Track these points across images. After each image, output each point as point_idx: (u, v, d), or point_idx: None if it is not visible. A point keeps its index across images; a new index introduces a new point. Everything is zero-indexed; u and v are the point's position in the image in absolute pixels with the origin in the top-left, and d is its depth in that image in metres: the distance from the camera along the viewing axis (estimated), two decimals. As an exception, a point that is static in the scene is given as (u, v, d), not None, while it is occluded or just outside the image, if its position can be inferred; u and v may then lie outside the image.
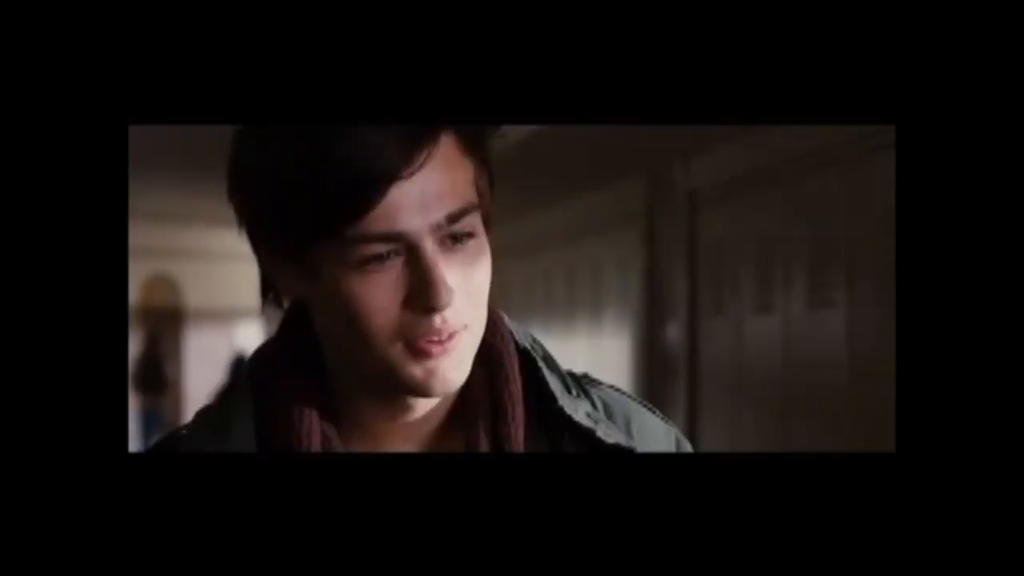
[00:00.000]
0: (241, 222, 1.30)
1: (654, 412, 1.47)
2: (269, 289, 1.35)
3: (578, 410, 1.38)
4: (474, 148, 1.28)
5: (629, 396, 1.47)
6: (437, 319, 1.24)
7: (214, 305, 17.19)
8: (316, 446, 1.32)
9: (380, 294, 1.23)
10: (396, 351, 1.25)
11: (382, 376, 1.28)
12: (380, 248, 1.22)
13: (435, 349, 1.25)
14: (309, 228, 1.23)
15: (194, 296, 17.33)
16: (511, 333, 1.40)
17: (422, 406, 1.34)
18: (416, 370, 1.26)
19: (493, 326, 1.36)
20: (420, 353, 1.25)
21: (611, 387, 1.47)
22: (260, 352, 1.40)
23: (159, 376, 16.16)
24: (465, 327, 1.27)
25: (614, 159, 5.80)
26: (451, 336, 1.26)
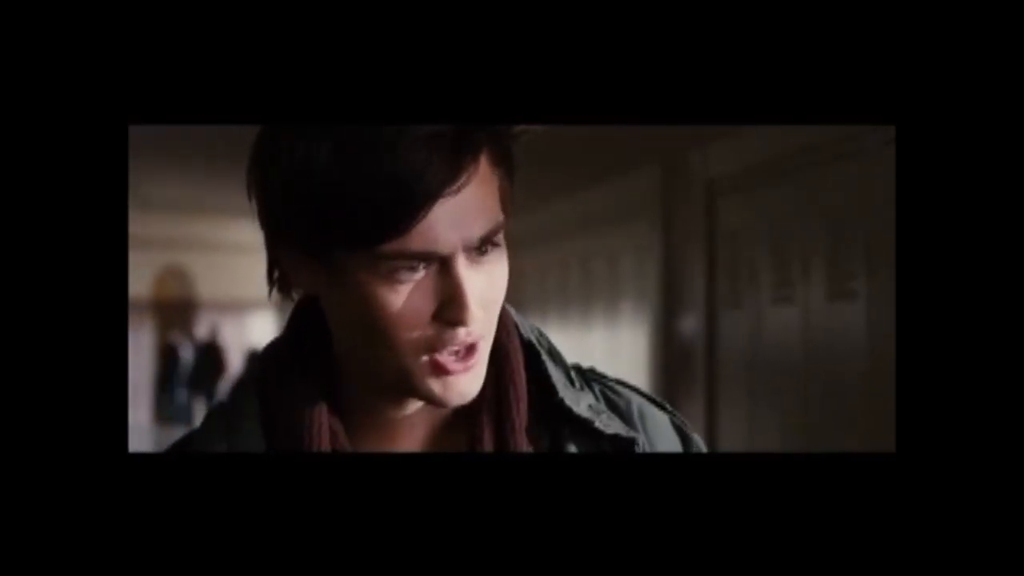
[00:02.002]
0: (261, 215, 1.29)
1: (663, 407, 1.46)
2: (275, 274, 1.34)
3: (579, 402, 1.38)
4: (503, 161, 1.28)
5: (635, 390, 1.47)
6: (462, 332, 1.25)
7: (227, 296, 17.26)
8: (325, 446, 1.32)
9: (407, 305, 1.23)
10: (418, 363, 1.26)
11: (398, 383, 1.29)
12: (413, 262, 1.22)
13: (456, 367, 1.27)
14: (344, 237, 1.22)
15: (206, 287, 17.40)
16: (516, 327, 1.40)
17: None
18: (435, 384, 1.27)
19: (500, 322, 1.36)
20: (441, 369, 1.26)
21: (617, 381, 1.47)
22: (269, 349, 1.40)
23: (219, 364, 16.56)
24: (483, 336, 1.28)
25: (630, 148, 5.77)
26: (472, 349, 1.27)
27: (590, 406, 1.39)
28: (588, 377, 1.45)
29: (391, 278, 1.23)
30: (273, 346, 1.41)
